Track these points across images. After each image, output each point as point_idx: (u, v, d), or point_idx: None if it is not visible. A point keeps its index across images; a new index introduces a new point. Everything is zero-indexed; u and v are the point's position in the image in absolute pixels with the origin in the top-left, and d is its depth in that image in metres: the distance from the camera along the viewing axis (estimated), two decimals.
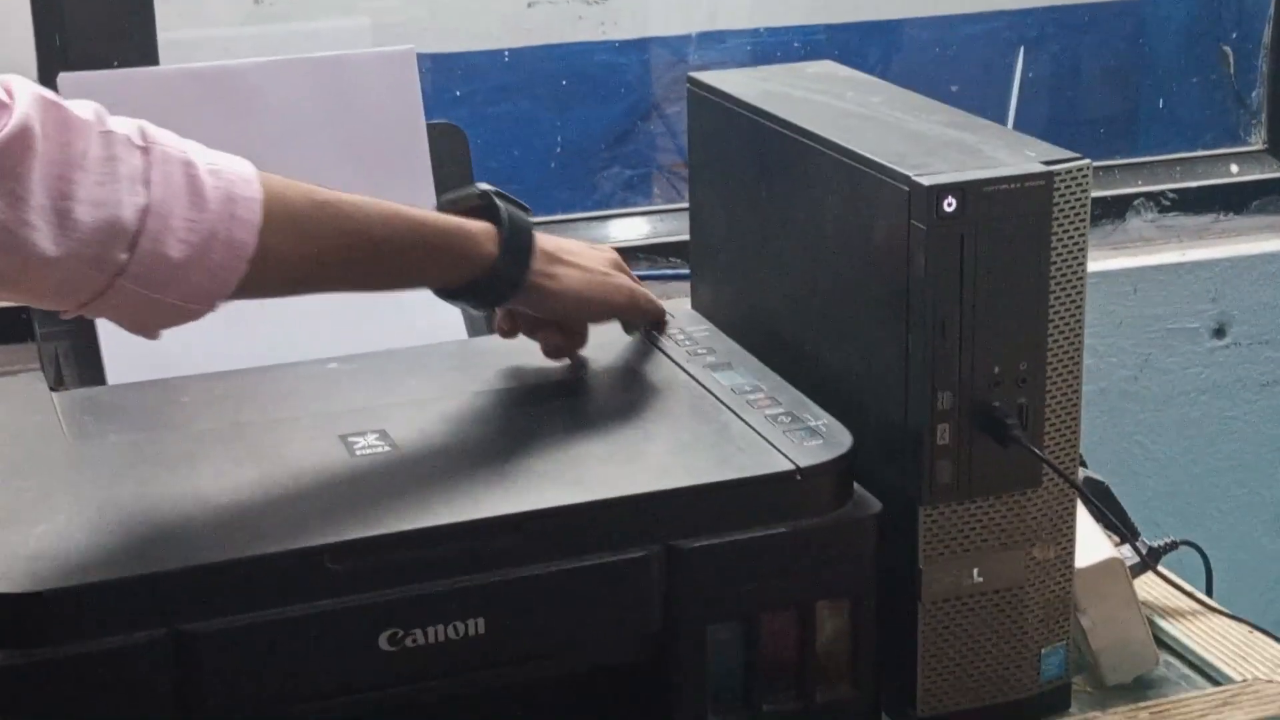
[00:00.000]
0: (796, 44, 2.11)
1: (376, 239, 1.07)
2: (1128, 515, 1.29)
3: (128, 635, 0.92)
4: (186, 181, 0.99)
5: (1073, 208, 1.07)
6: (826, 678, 1.08)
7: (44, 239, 0.95)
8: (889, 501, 1.07)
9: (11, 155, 0.94)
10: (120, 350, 1.25)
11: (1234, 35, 2.19)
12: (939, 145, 1.13)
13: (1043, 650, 1.14)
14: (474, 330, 1.33)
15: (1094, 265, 1.12)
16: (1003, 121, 1.83)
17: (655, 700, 1.05)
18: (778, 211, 1.24)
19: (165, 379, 1.20)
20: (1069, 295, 1.08)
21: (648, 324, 1.24)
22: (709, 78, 1.34)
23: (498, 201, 1.13)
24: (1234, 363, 2.01)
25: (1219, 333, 2.00)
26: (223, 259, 1.00)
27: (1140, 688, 1.21)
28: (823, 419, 1.11)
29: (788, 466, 1.05)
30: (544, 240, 1.15)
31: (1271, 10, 2.12)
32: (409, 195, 1.17)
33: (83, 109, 0.98)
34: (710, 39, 2.09)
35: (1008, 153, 1.10)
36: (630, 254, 1.85)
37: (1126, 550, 1.25)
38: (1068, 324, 1.09)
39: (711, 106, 1.32)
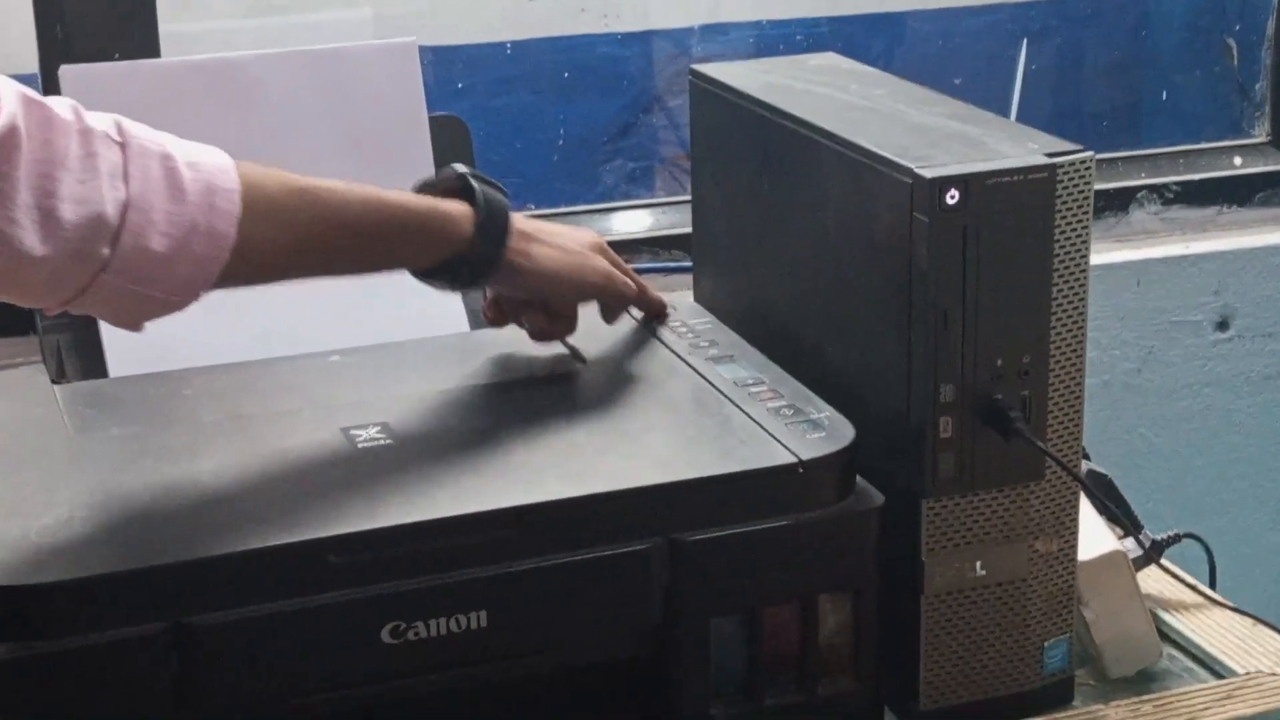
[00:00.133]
0: (799, 36, 2.11)
1: (354, 224, 1.08)
2: (1130, 508, 1.29)
3: (129, 628, 0.92)
4: (165, 174, 1.00)
5: (1076, 200, 1.07)
6: (829, 671, 1.08)
7: (31, 238, 0.95)
8: (891, 494, 1.07)
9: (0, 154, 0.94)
10: (122, 343, 1.25)
11: (1237, 27, 2.18)
12: (942, 138, 1.12)
13: (1045, 643, 1.14)
14: (476, 323, 1.33)
15: (1097, 258, 1.12)
16: (1006, 114, 1.82)
17: (657, 693, 1.05)
18: (780, 204, 1.24)
19: (167, 372, 1.20)
20: (1072, 288, 1.08)
21: (625, 310, 1.24)
22: (711, 70, 1.34)
23: (473, 183, 1.14)
24: (1237, 356, 2.01)
25: (1222, 325, 1.99)
26: (204, 250, 1.00)
27: (1143, 681, 1.21)
28: (825, 412, 1.11)
29: (790, 459, 1.05)
30: (521, 221, 1.16)
31: (1275, 2, 2.12)
32: None
33: (61, 106, 0.99)
34: (713, 31, 2.09)
35: (1011, 145, 1.09)
36: (632, 246, 1.85)
37: (1129, 543, 1.25)
38: (1070, 317, 1.09)
39: (714, 99, 1.32)
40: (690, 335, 1.24)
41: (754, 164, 1.27)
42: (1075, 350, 1.10)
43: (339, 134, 1.37)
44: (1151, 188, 2.04)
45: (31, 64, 1.63)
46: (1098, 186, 1.26)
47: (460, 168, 1.16)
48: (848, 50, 1.42)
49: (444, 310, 1.30)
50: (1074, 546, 1.14)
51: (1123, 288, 1.94)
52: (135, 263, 0.99)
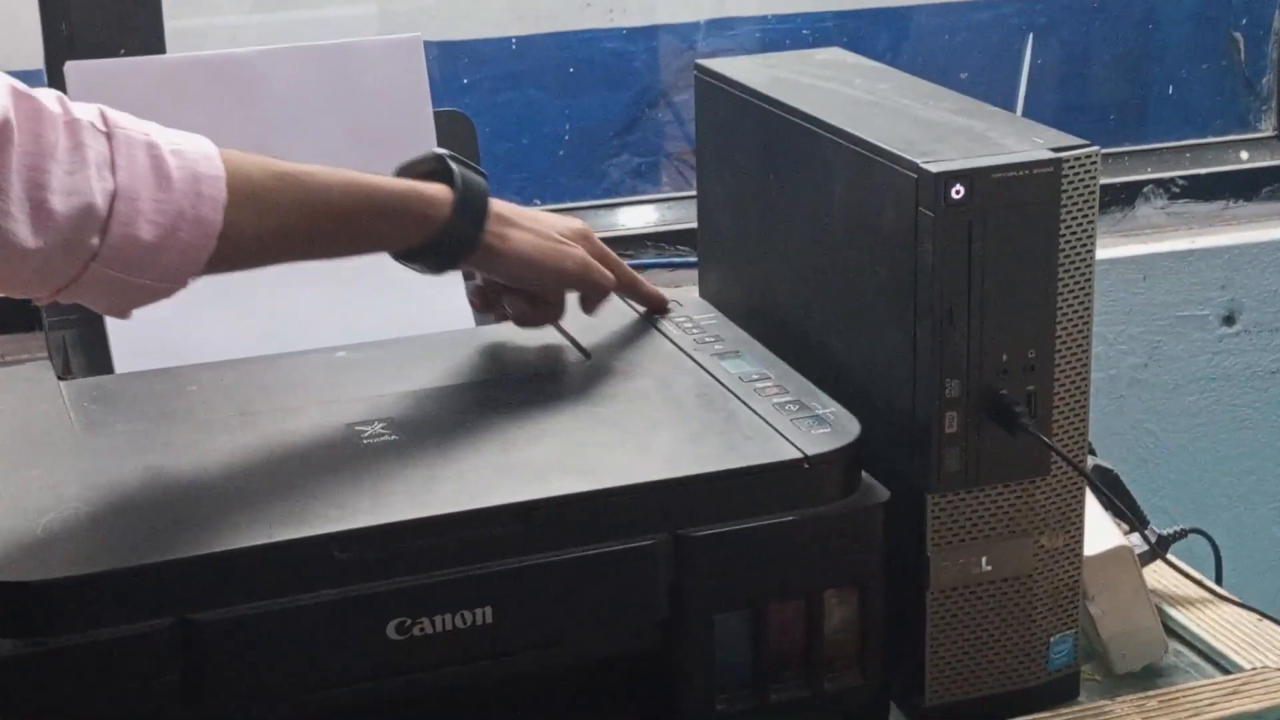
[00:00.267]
0: (805, 31, 2.11)
1: (336, 207, 1.09)
2: (1136, 503, 1.29)
3: (135, 624, 0.92)
4: (151, 163, 1.01)
5: (1081, 195, 1.07)
6: (834, 666, 1.08)
7: (24, 230, 0.96)
8: (897, 490, 1.07)
9: None
10: (128, 339, 1.25)
11: (1244, 21, 2.18)
12: (947, 132, 1.12)
13: (1051, 639, 1.14)
14: (482, 319, 1.33)
15: (1103, 252, 1.12)
16: (1012, 108, 1.82)
17: (663, 689, 1.05)
18: (786, 199, 1.24)
19: (173, 368, 1.20)
20: (1078, 282, 1.08)
21: (603, 300, 1.22)
22: (717, 65, 1.34)
23: (452, 165, 1.14)
24: (1244, 350, 2.01)
25: (1229, 320, 1.99)
26: (191, 237, 1.01)
27: (1149, 676, 1.21)
28: (830, 407, 1.11)
29: (795, 455, 1.04)
30: (500, 205, 1.16)
31: None
32: None
33: (47, 98, 0.99)
34: (718, 26, 2.09)
35: (1016, 140, 1.09)
36: (638, 242, 1.85)
37: (1135, 538, 1.25)
38: (1076, 311, 1.09)
39: (719, 94, 1.32)
40: (695, 330, 1.24)
41: (759, 159, 1.27)
42: (1081, 345, 1.10)
43: (344, 129, 1.37)
44: (1158, 182, 2.04)
45: (37, 60, 1.63)
46: (1104, 181, 1.26)
47: (440, 150, 1.16)
48: (853, 45, 1.43)
49: (449, 306, 1.30)
50: (1080, 542, 1.14)
51: (1129, 282, 1.94)
52: (124, 252, 1.00)
